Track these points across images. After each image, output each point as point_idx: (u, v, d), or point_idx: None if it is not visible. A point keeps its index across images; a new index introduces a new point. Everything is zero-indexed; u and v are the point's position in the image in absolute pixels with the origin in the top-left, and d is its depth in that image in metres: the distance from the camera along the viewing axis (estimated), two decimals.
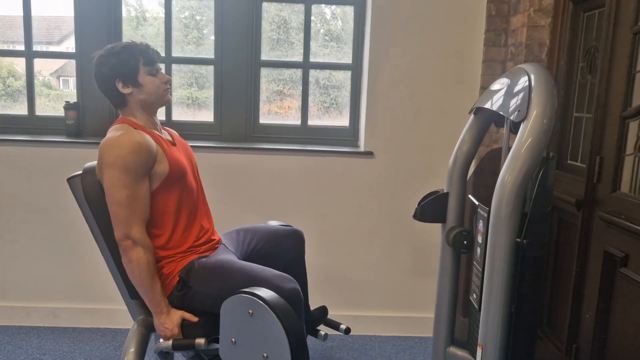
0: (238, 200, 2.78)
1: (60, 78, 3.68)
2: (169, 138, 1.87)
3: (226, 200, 2.72)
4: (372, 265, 2.88)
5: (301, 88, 2.98)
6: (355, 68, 2.93)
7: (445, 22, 2.70)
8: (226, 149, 2.78)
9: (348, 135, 2.96)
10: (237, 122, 2.93)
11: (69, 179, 1.76)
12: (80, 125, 2.91)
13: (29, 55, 2.91)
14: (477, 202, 1.74)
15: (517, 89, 1.62)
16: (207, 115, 2.97)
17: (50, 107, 3.19)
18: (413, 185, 2.79)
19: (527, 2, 2.40)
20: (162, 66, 2.59)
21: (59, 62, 3.43)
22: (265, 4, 2.91)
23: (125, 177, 1.62)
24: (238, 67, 2.89)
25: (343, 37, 3.03)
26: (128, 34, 2.97)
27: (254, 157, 2.76)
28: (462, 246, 1.92)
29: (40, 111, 2.98)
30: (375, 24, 2.72)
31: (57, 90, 3.49)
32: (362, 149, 2.80)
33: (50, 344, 2.68)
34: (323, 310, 2.16)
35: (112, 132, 1.69)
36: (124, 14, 2.91)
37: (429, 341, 2.84)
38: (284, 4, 3.01)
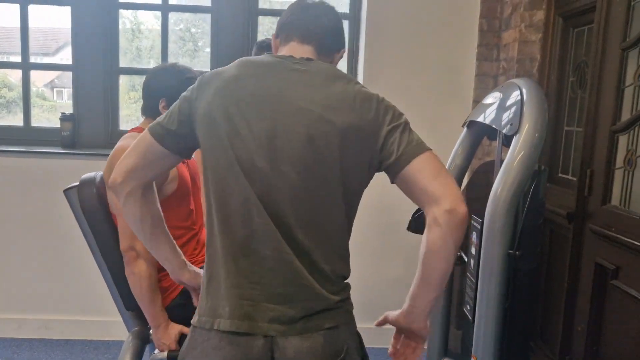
0: None
1: (55, 89, 3.70)
2: None
3: None
4: (365, 277, 2.88)
5: None
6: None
7: (438, 37, 2.74)
8: None
9: None
10: None
11: (65, 191, 1.76)
12: (76, 136, 2.91)
13: (26, 66, 2.92)
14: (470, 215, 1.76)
15: (509, 103, 1.65)
16: None
17: (44, 118, 3.20)
18: (406, 197, 2.80)
19: (518, 18, 2.45)
20: None
21: (53, 73, 3.45)
22: (260, 17, 2.94)
23: None
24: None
25: None
26: (124, 46, 2.99)
27: None
28: (455, 261, 1.94)
29: (34, 122, 2.98)
30: (370, 38, 2.76)
31: (52, 101, 3.50)
32: None
33: (42, 357, 2.67)
34: None
35: (128, 140, 1.68)
36: (120, 26, 2.93)
37: (422, 353, 2.84)
38: (279, 17, 3.05)
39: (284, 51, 1.26)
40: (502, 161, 1.82)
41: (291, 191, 1.14)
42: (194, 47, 3.13)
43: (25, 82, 2.93)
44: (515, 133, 1.53)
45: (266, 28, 3.03)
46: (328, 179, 1.16)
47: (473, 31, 2.71)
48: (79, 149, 2.86)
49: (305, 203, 1.15)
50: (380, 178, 2.77)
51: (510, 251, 1.52)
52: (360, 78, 2.85)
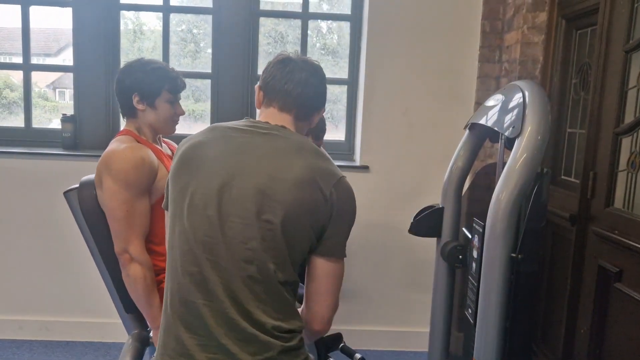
0: None
1: (57, 90, 3.69)
2: (169, 152, 1.87)
3: None
4: (366, 279, 2.88)
5: None
6: (351, 83, 2.96)
7: (440, 39, 2.73)
8: None
9: (344, 149, 2.98)
10: None
11: (65, 193, 1.76)
12: (77, 138, 2.91)
13: (27, 68, 2.92)
14: (472, 217, 1.75)
15: (511, 105, 1.64)
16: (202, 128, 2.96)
17: (45, 118, 3.19)
18: (408, 200, 2.79)
19: (520, 20, 2.44)
20: None
21: (55, 74, 3.44)
22: (262, 19, 2.93)
23: (126, 192, 1.62)
24: (235, 81, 2.91)
25: (339, 52, 3.06)
26: (125, 47, 2.99)
27: None
28: (457, 261, 1.93)
29: (36, 123, 2.98)
30: (371, 39, 2.75)
31: (53, 102, 3.49)
32: (357, 163, 2.82)
33: (43, 358, 2.66)
34: (337, 337, 2.11)
35: (116, 144, 1.69)
36: (122, 27, 2.93)
37: (423, 356, 2.82)
38: (280, 18, 3.04)
39: (262, 115, 1.34)
40: (504, 164, 1.81)
41: (235, 242, 1.20)
42: (195, 49, 3.13)
43: (27, 83, 2.93)
44: (518, 135, 1.52)
45: (267, 29, 3.02)
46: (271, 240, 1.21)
47: (475, 33, 2.70)
48: (80, 151, 2.86)
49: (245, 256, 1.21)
50: (383, 185, 2.73)
51: (513, 254, 1.51)
52: (361, 80, 2.85)
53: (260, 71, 2.94)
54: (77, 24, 2.86)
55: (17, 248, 2.80)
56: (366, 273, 2.87)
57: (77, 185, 1.75)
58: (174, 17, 2.97)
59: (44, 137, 2.94)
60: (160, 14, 2.91)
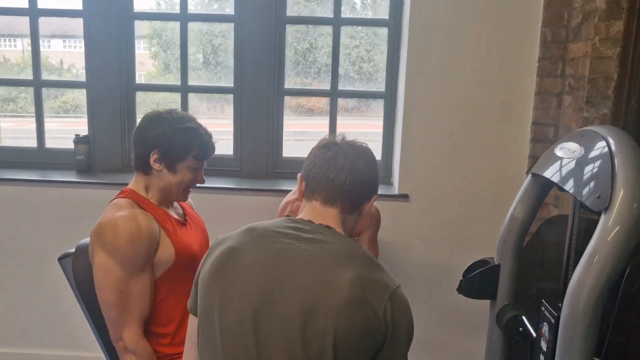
0: None
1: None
2: (180, 214, 1.62)
3: None
4: None
5: (328, 117, 2.71)
6: (388, 97, 2.63)
7: (492, 48, 2.37)
8: (245, 191, 2.53)
9: (380, 172, 2.66)
10: (258, 155, 2.68)
11: (59, 259, 1.54)
12: (91, 160, 2.70)
13: (37, 84, 2.71)
14: (542, 301, 1.43)
15: (593, 163, 1.31)
16: (223, 148, 2.70)
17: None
18: (453, 235, 2.49)
19: (591, 29, 2.06)
20: None
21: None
22: (289, 27, 2.63)
23: (120, 271, 1.37)
24: (259, 96, 2.63)
25: (375, 62, 2.74)
26: (140, 60, 2.74)
27: (275, 199, 2.48)
28: (516, 333, 1.63)
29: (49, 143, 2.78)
30: (412, 48, 2.41)
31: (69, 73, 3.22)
32: (396, 191, 2.51)
33: None
34: None
35: (112, 211, 1.43)
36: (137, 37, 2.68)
37: None
38: (310, 26, 2.73)
39: (305, 211, 1.20)
40: (575, 224, 1.49)
41: None
42: (215, 60, 2.85)
43: (38, 101, 2.72)
44: (606, 209, 1.20)
45: (293, 38, 2.72)
46: None
47: (534, 42, 2.33)
48: (94, 175, 2.64)
49: None
50: (424, 218, 2.37)
51: (596, 359, 1.20)
52: (400, 95, 2.52)
53: (287, 84, 2.71)
54: (88, 35, 2.62)
55: (29, 281, 2.63)
56: None
57: (73, 251, 1.53)
58: (192, 26, 2.69)
59: (57, 159, 2.74)
60: (178, 24, 2.64)
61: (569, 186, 1.35)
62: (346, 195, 1.17)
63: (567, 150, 1.43)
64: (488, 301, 1.84)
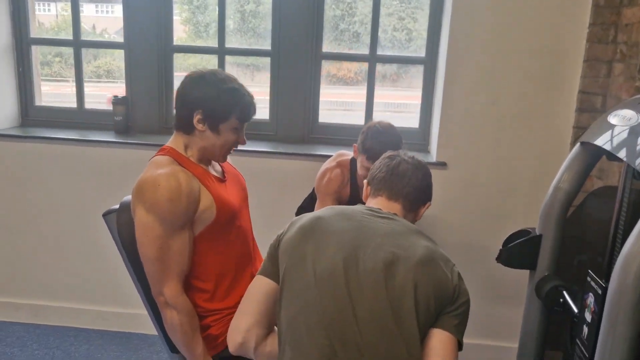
0: (292, 211, 2.53)
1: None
2: (218, 171, 1.62)
3: (280, 212, 2.48)
4: None
5: (366, 83, 2.66)
6: (428, 62, 2.57)
7: (540, 12, 2.27)
8: (281, 155, 2.52)
9: (417, 139, 2.63)
10: (294, 120, 2.66)
11: (104, 215, 1.56)
12: (129, 120, 2.73)
13: (77, 44, 2.73)
14: (589, 272, 1.40)
15: None
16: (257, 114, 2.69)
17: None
18: (491, 207, 2.44)
19: None
20: None
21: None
22: None
23: (160, 227, 1.39)
24: (297, 60, 2.59)
25: (416, 27, 2.67)
26: (177, 25, 2.73)
27: (311, 164, 2.48)
28: (556, 304, 1.60)
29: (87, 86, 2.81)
30: (456, 12, 2.32)
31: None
32: (434, 158, 2.47)
33: (99, 350, 2.60)
34: None
35: (152, 169, 1.44)
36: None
37: None
38: None
39: (373, 203, 1.38)
40: (625, 194, 1.44)
41: (366, 317, 1.16)
42: (247, 26, 2.81)
43: (78, 61, 2.75)
44: None
45: (332, 1, 2.66)
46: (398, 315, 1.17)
47: (585, 6, 2.23)
48: (132, 136, 2.67)
49: (375, 331, 1.16)
50: (462, 187, 2.35)
51: None
52: (441, 60, 2.46)
53: (325, 49, 2.67)
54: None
55: (73, 237, 2.71)
56: None
57: (117, 207, 1.55)
58: None
59: (96, 119, 2.78)
60: None
61: (623, 154, 1.30)
62: (405, 197, 1.37)
63: (622, 118, 1.37)
64: (525, 272, 1.82)
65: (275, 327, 1.32)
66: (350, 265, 1.18)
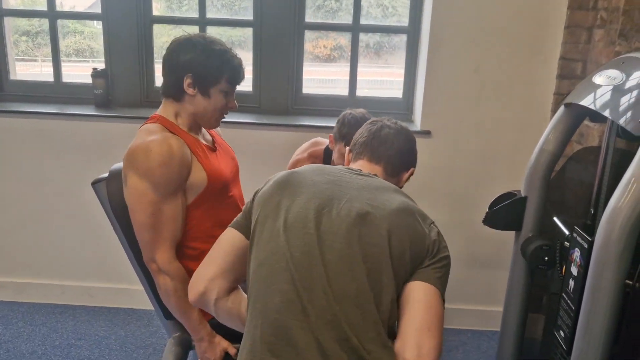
0: None
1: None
2: (208, 140, 1.61)
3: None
4: None
5: (348, 58, 2.65)
6: (412, 32, 2.57)
7: None
8: (265, 126, 2.51)
9: (400, 109, 2.64)
10: (278, 92, 2.65)
11: (93, 183, 1.54)
12: (109, 94, 2.68)
13: (52, 15, 2.66)
14: (574, 227, 1.44)
15: (636, 89, 1.29)
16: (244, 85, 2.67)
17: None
18: (475, 173, 2.48)
19: None
20: None
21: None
22: None
23: (152, 193, 1.38)
24: (279, 30, 2.57)
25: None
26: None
27: (295, 134, 2.48)
28: (541, 262, 1.66)
29: (66, 74, 2.74)
30: None
31: (91, 27, 3.19)
32: (417, 127, 2.49)
33: (86, 325, 2.59)
34: None
35: (143, 135, 1.43)
36: None
37: (482, 335, 2.63)
38: None
39: (354, 166, 1.36)
40: (608, 152, 1.48)
41: (334, 263, 1.12)
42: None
43: (53, 32, 2.67)
44: None
45: None
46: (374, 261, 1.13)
47: None
48: (113, 109, 2.63)
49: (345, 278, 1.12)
50: (447, 155, 2.39)
51: (629, 282, 1.22)
52: (424, 29, 2.46)
53: (307, 18, 2.64)
54: None
55: (57, 213, 2.67)
56: None
57: (107, 175, 1.53)
58: None
59: (75, 93, 2.72)
60: None
61: (608, 112, 1.33)
62: (387, 159, 1.35)
63: (607, 78, 1.41)
64: (510, 234, 1.86)
65: (239, 286, 1.30)
66: (322, 213, 1.15)
